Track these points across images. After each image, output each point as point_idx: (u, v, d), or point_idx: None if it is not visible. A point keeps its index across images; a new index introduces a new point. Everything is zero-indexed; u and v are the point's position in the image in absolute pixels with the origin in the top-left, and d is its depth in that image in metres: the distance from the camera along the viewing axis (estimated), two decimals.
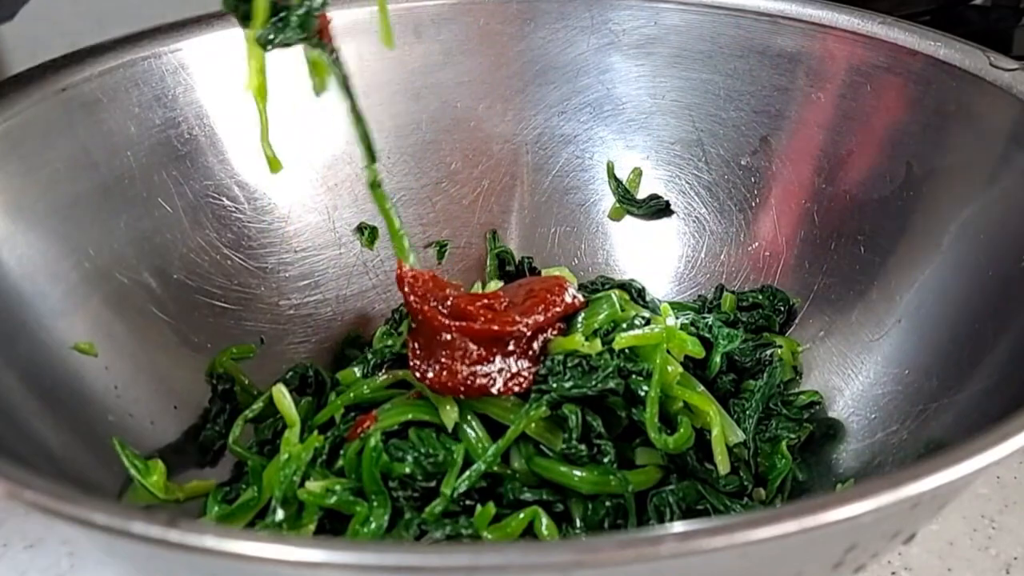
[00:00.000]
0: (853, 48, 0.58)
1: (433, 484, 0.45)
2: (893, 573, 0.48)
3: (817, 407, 0.54)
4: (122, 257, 0.52)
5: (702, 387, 0.49)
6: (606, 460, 0.46)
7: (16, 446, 0.39)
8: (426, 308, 0.48)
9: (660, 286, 0.63)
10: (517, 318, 0.47)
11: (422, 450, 0.46)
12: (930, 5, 0.79)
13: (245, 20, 0.42)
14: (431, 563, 0.27)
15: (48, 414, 0.44)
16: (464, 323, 0.47)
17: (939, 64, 0.54)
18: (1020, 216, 0.48)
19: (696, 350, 0.52)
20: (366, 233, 0.61)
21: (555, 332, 0.49)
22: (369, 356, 0.53)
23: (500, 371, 0.47)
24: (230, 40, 0.58)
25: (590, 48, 0.63)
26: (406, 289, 0.48)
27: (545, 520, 0.44)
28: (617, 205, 0.64)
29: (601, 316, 0.50)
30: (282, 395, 0.46)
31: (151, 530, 0.27)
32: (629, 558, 0.27)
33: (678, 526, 0.27)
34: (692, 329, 0.53)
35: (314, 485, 0.44)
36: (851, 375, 0.54)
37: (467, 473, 0.45)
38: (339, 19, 0.59)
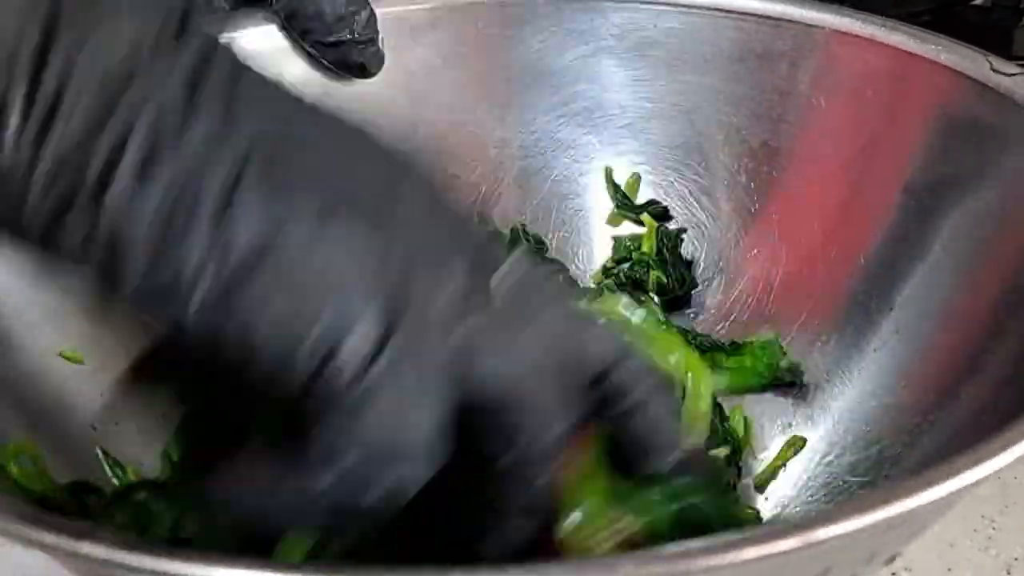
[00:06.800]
0: (854, 52, 0.57)
1: None
2: (893, 573, 0.47)
3: None
4: None
5: None
6: None
7: None
8: None
9: None
10: None
11: None
12: (930, 4, 0.78)
13: None
14: None
15: (31, 425, 0.44)
16: None
17: (940, 68, 0.53)
18: (1020, 223, 0.47)
19: None
20: None
21: None
22: None
23: None
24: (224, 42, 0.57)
25: (588, 52, 0.62)
26: None
27: None
28: (615, 211, 0.63)
29: None
30: None
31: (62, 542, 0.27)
32: None
33: (636, 554, 0.27)
34: None
35: None
36: (848, 386, 0.53)
37: None
38: None
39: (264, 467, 0.27)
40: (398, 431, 0.26)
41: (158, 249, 0.24)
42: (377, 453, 0.26)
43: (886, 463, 0.47)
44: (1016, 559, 0.48)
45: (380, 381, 0.25)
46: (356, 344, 0.25)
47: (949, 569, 0.48)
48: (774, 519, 0.48)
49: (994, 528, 0.50)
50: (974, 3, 0.84)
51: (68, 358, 0.48)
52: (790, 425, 0.53)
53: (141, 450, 0.49)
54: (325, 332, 0.25)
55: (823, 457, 0.51)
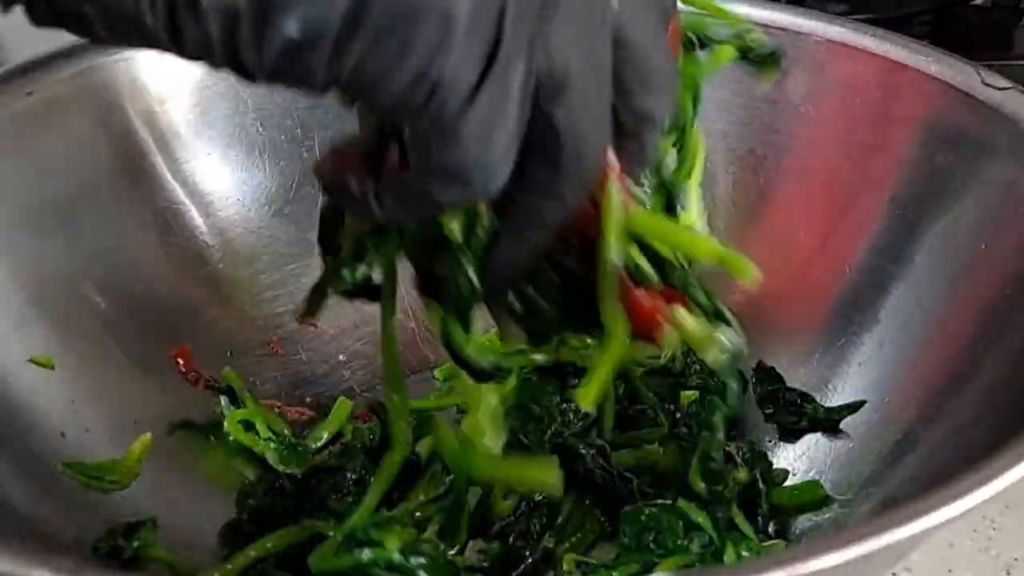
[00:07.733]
0: (844, 61, 0.56)
1: None
2: (894, 574, 0.47)
3: None
4: (85, 268, 0.51)
5: None
6: None
7: None
8: None
9: None
10: None
11: None
12: (930, 4, 0.77)
13: None
14: None
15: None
16: None
17: (930, 80, 0.52)
18: (1005, 240, 0.46)
19: None
20: None
21: None
22: None
23: None
24: None
25: None
26: None
27: None
28: None
29: None
30: None
31: None
32: None
33: None
34: None
35: None
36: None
37: None
38: None
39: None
40: (480, 150, 0.30)
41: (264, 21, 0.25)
42: (461, 166, 0.30)
43: (867, 483, 0.46)
44: (1016, 559, 0.48)
45: (475, 110, 0.29)
46: (458, 81, 0.28)
47: (949, 570, 0.48)
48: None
49: (994, 528, 0.50)
50: (974, 3, 0.82)
51: (39, 364, 0.47)
52: (770, 442, 0.53)
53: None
54: (431, 72, 0.28)
55: (803, 476, 0.50)
